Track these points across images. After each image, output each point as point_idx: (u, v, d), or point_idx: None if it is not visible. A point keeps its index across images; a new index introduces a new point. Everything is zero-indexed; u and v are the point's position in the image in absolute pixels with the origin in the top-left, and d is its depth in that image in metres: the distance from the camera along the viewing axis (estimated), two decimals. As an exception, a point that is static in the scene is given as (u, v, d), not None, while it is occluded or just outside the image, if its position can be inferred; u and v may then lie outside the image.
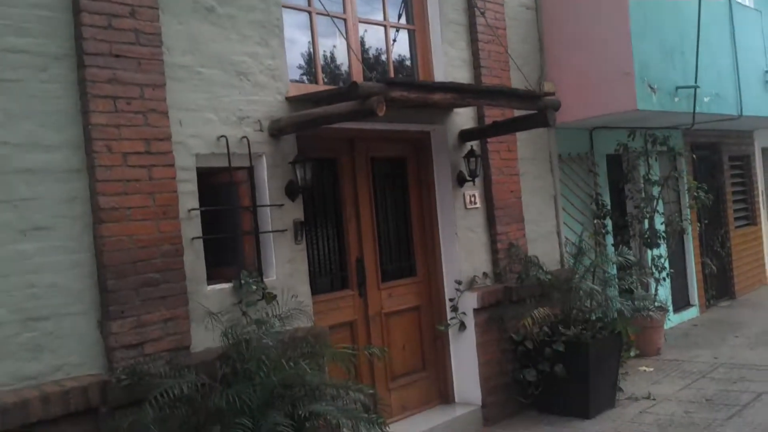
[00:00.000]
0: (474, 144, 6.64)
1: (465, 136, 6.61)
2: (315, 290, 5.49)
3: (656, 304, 8.46)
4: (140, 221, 4.25)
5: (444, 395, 6.60)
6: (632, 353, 7.25)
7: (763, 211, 13.04)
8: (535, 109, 6.05)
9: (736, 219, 12.13)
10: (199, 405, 3.83)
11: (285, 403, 3.78)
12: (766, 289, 12.60)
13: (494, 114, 6.73)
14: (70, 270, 4.04)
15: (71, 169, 4.08)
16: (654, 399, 6.80)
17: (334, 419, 3.56)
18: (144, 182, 4.29)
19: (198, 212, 4.64)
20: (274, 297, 4.79)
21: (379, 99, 4.55)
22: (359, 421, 3.61)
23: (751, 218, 12.72)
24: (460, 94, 5.37)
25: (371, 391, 4.31)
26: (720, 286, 11.54)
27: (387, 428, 3.92)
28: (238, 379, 3.91)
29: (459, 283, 6.48)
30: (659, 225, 9.13)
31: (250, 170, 5.01)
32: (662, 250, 9.20)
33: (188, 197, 4.58)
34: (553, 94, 6.17)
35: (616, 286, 7.13)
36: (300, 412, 3.61)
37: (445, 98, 5.26)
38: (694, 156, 10.35)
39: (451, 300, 6.51)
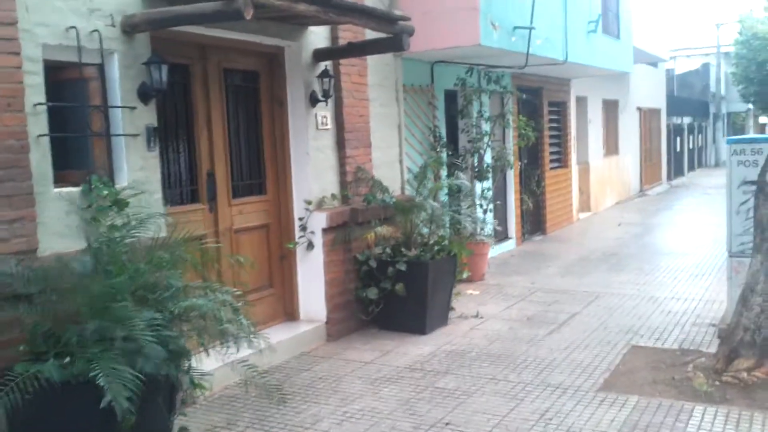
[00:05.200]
0: (328, 64, 6.62)
1: (319, 55, 6.57)
2: (165, 202, 5.29)
3: (485, 232, 9.02)
4: (-18, 111, 3.87)
5: (290, 312, 6.69)
6: (465, 275, 7.70)
7: (573, 155, 14.18)
8: (391, 32, 6.12)
9: (550, 161, 13.09)
10: (53, 305, 3.59)
11: (150, 306, 3.65)
12: (573, 227, 13.83)
13: (347, 36, 6.74)
14: None
15: None
16: (482, 317, 7.32)
17: (211, 312, 3.50)
18: (-14, 69, 3.88)
19: (45, 108, 4.28)
20: (127, 204, 4.54)
21: (247, 1, 4.41)
22: (236, 312, 3.57)
23: (563, 161, 13.77)
24: (323, 7, 5.30)
25: (239, 292, 4.27)
26: (534, 221, 12.50)
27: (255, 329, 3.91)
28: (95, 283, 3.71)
29: (309, 203, 6.51)
30: (488, 159, 9.67)
31: (101, 68, 4.69)
32: (489, 183, 9.79)
33: (34, 90, 4.21)
34: (408, 19, 6.27)
35: (450, 212, 7.50)
36: (173, 309, 3.51)
37: (309, 10, 5.17)
38: (524, 96, 11.00)
39: (300, 219, 6.54)
